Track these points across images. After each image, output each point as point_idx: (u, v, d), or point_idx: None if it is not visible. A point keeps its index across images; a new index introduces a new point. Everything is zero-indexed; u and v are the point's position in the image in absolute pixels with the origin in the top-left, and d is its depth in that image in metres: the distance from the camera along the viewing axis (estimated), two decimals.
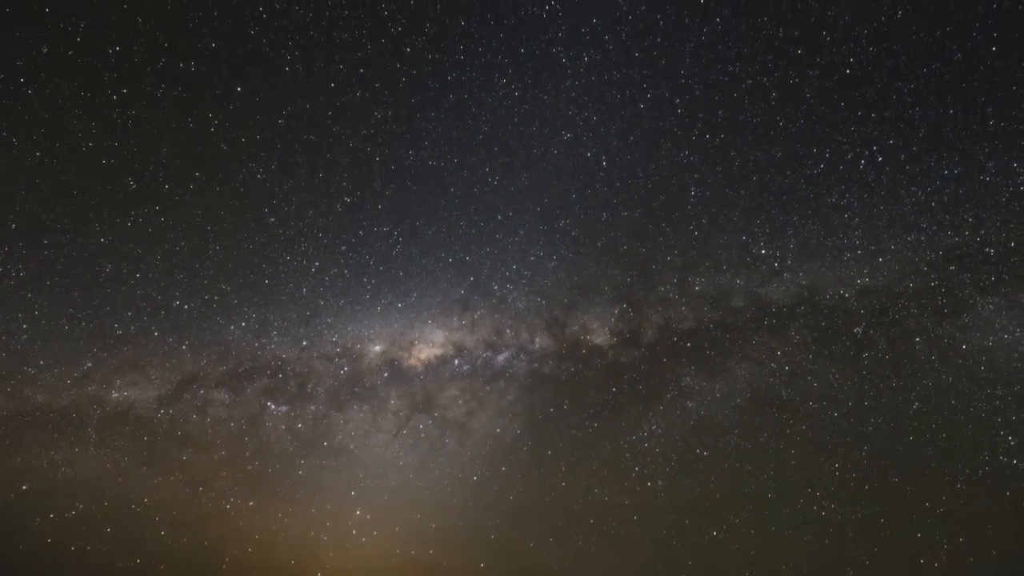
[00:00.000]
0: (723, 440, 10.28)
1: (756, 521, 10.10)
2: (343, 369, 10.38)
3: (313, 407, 10.61)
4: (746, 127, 9.83)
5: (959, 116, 9.32)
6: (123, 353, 10.08)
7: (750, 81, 9.66)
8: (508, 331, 10.40)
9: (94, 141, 9.41)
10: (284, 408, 10.51)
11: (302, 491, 10.52)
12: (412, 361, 10.46)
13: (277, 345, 10.42)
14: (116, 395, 10.25)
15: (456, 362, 10.39)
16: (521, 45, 9.80)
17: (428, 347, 10.41)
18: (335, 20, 9.60)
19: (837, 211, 9.79)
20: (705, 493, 10.17)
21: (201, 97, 9.62)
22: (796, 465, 10.01)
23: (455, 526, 10.36)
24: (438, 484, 10.60)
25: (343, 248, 10.16)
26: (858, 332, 9.84)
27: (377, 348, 10.40)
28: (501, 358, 10.36)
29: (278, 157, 10.02)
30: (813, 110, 9.61)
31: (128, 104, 9.37)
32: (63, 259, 9.69)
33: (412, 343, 10.55)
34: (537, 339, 10.31)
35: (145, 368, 10.27)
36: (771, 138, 9.85)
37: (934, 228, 9.61)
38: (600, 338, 10.29)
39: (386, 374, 10.47)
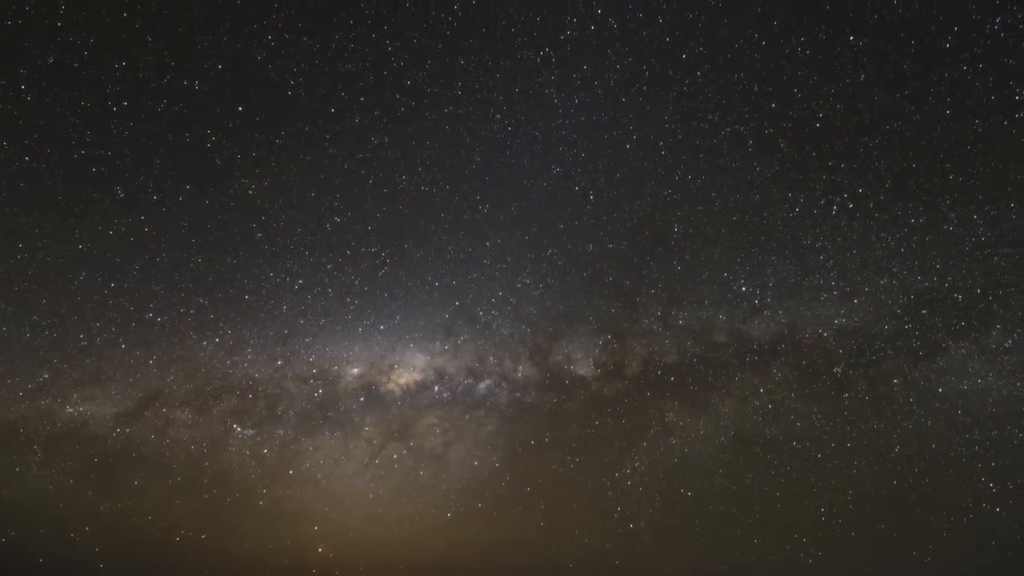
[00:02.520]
0: (707, 480, 10.00)
1: (743, 569, 9.64)
2: (317, 392, 10.00)
3: (281, 431, 10.09)
4: (725, 171, 10.37)
5: (921, 170, 9.99)
6: (84, 365, 9.59)
7: (728, 129, 10.31)
8: (491, 358, 10.24)
9: (87, 149, 9.44)
10: (251, 431, 9.96)
11: (260, 524, 9.78)
12: (391, 386, 10.14)
13: (250, 364, 10.04)
14: (71, 410, 9.64)
15: (436, 388, 10.10)
16: (516, 85, 10.38)
17: (408, 371, 10.14)
18: (340, 51, 10.10)
19: (813, 252, 10.18)
20: (689, 537, 9.74)
21: (201, 114, 9.83)
22: (781, 508, 9.73)
23: (425, 568, 9.65)
24: (409, 521, 9.97)
25: (329, 267, 10.09)
26: (838, 372, 9.95)
27: (355, 371, 10.08)
28: (483, 386, 10.11)
29: (272, 175, 10.14)
30: (787, 158, 10.23)
31: (127, 116, 9.51)
32: (36, 264, 9.41)
33: (392, 367, 10.28)
34: (520, 368, 10.16)
35: (106, 383, 9.74)
36: (748, 182, 10.38)
37: (904, 273, 10.02)
38: (584, 369, 10.19)
39: (362, 398, 10.09)
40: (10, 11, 8.60)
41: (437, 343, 10.34)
